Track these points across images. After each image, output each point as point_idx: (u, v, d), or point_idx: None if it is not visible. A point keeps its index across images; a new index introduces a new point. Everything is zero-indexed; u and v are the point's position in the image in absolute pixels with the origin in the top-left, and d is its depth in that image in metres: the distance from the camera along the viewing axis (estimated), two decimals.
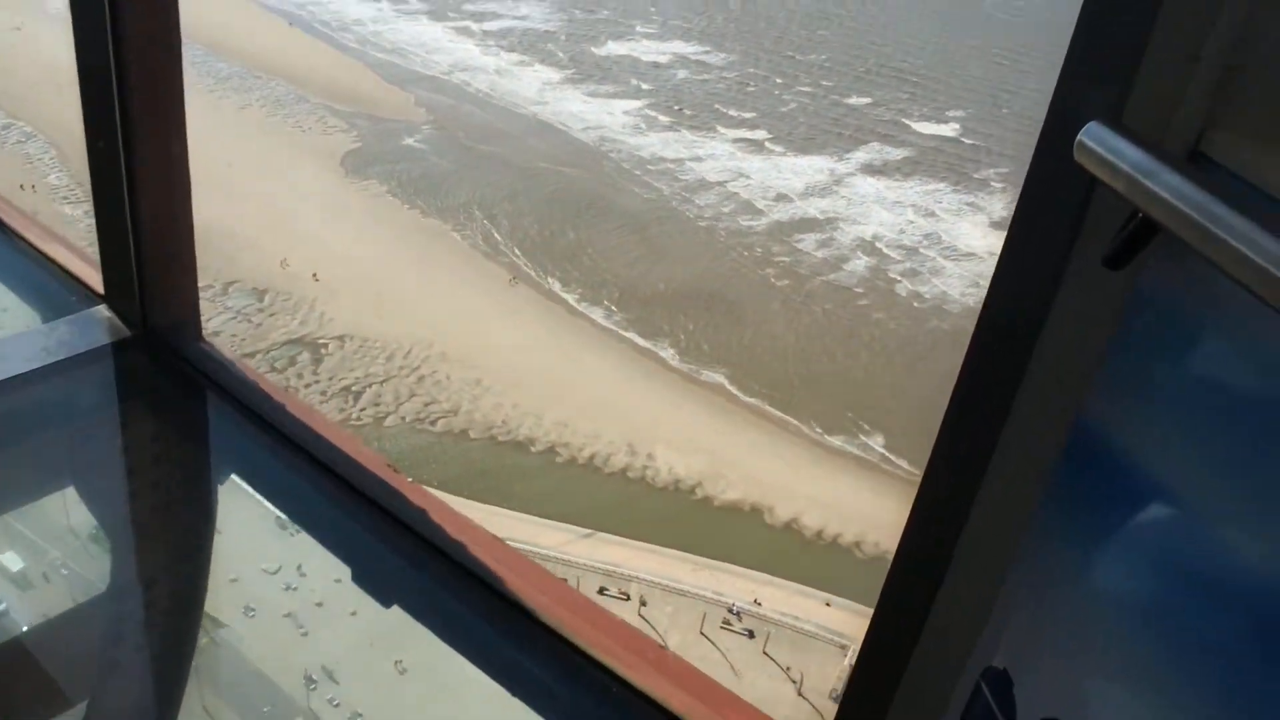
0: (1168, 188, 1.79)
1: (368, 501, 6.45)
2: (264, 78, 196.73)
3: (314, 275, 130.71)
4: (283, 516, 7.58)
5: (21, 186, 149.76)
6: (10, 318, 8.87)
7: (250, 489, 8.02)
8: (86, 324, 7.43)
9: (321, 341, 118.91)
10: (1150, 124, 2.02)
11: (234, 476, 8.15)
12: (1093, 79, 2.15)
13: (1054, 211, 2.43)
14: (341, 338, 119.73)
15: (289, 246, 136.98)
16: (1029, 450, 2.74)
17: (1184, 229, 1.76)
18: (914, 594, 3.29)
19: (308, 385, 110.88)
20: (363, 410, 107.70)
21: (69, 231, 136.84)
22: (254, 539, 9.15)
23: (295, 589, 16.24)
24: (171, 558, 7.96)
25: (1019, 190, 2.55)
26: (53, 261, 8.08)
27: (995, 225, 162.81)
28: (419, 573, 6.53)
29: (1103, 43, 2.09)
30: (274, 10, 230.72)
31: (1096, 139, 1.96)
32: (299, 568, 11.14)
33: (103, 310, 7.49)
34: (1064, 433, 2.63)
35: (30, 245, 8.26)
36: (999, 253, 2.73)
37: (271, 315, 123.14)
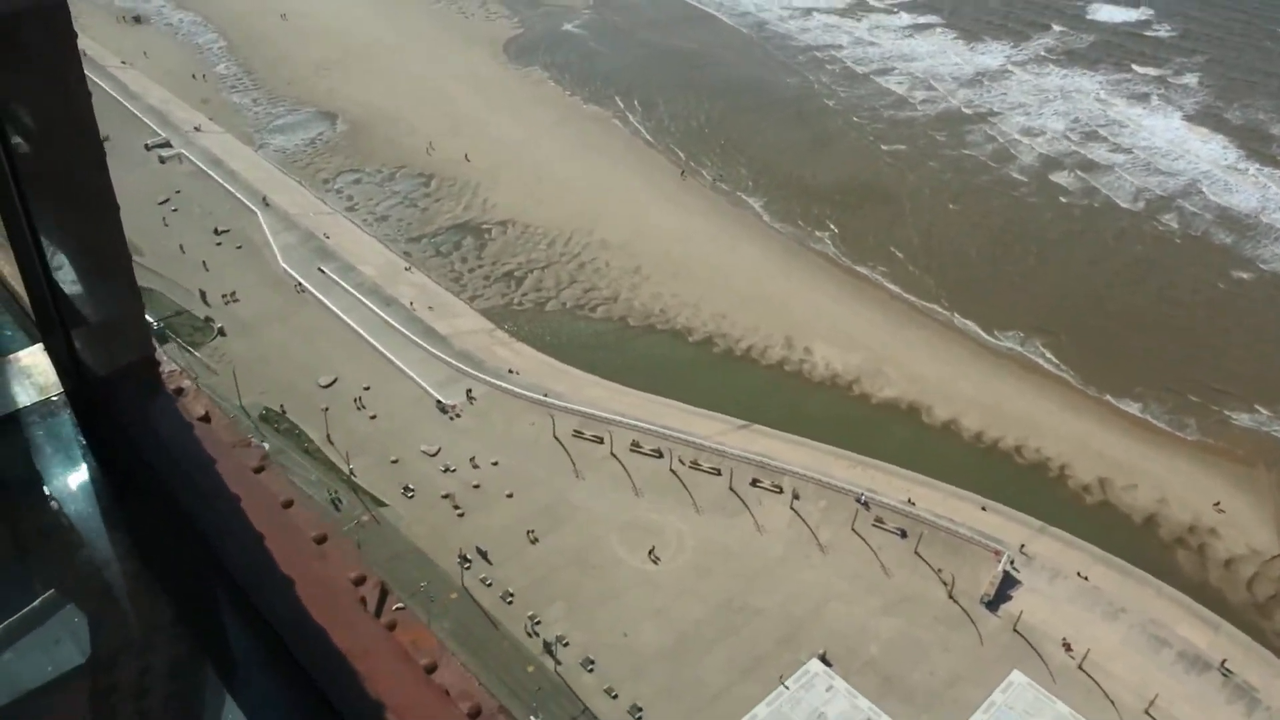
0: None
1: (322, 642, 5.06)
2: None
3: (465, 156, 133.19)
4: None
5: (194, 76, 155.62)
6: None
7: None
8: (14, 373, 6.40)
9: (485, 227, 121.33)
10: None
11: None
12: None
13: None
14: (505, 223, 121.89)
15: (454, 134, 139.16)
16: None
17: None
18: None
19: (471, 270, 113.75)
20: (524, 295, 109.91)
21: (237, 119, 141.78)
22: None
23: None
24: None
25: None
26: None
27: (1188, 119, 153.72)
28: None
29: None
30: None
31: None
32: None
33: (37, 352, 6.47)
34: None
35: None
36: None
37: (437, 201, 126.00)
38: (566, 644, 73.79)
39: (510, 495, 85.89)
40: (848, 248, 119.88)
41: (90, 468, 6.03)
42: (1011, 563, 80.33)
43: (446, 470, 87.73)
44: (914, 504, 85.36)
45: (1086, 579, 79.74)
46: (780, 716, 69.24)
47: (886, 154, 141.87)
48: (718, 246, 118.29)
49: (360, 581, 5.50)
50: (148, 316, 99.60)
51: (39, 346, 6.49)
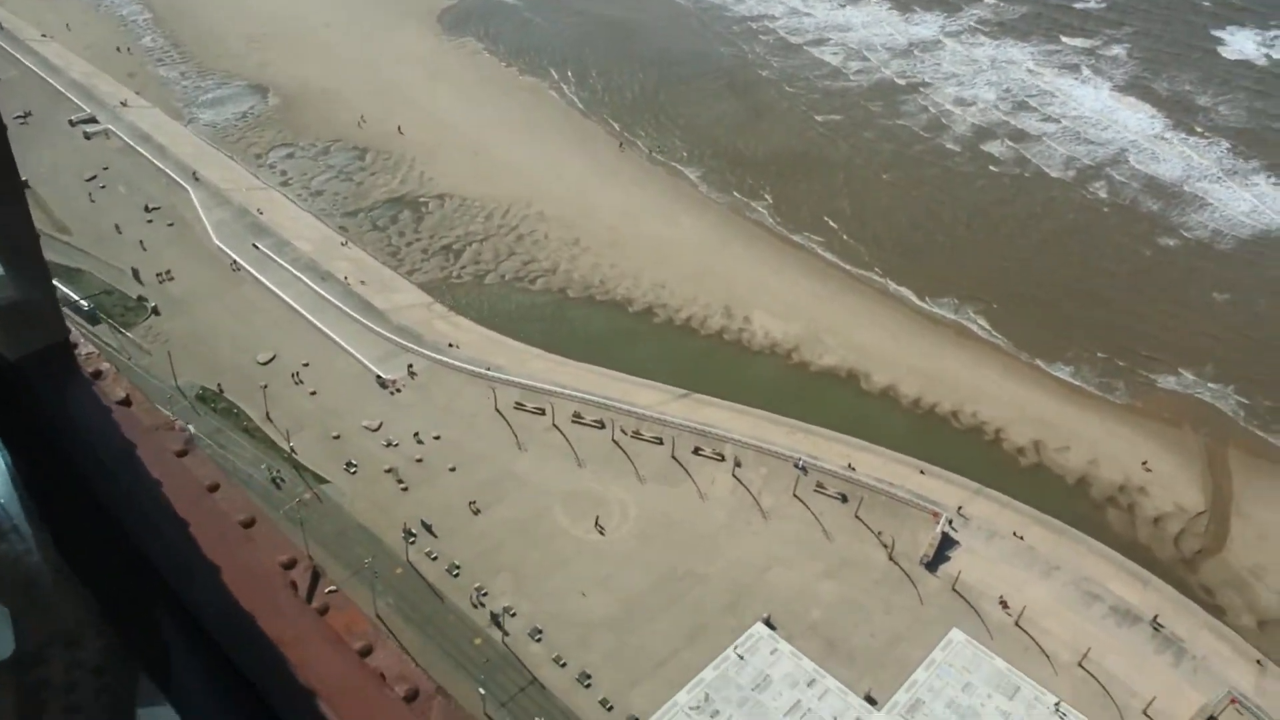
0: None
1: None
2: None
3: (398, 129, 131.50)
4: None
5: (118, 49, 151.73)
6: None
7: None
8: None
9: (422, 200, 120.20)
10: None
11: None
12: None
13: None
14: (442, 196, 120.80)
15: (389, 106, 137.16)
16: None
17: None
18: None
19: (409, 244, 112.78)
20: (463, 268, 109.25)
21: (165, 93, 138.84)
22: None
23: None
24: None
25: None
26: None
27: (1117, 90, 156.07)
28: None
29: None
30: None
31: None
32: None
33: None
34: None
35: None
36: None
37: (373, 174, 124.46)
38: (514, 614, 74.10)
39: (453, 469, 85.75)
40: (784, 218, 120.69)
41: (3, 458, 5.58)
42: (950, 524, 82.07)
43: (389, 445, 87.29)
44: (854, 469, 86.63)
45: (1022, 538, 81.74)
46: (726, 679, 70.26)
47: (821, 124, 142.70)
48: (656, 217, 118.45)
49: (291, 565, 5.33)
50: (77, 297, 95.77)
51: None
